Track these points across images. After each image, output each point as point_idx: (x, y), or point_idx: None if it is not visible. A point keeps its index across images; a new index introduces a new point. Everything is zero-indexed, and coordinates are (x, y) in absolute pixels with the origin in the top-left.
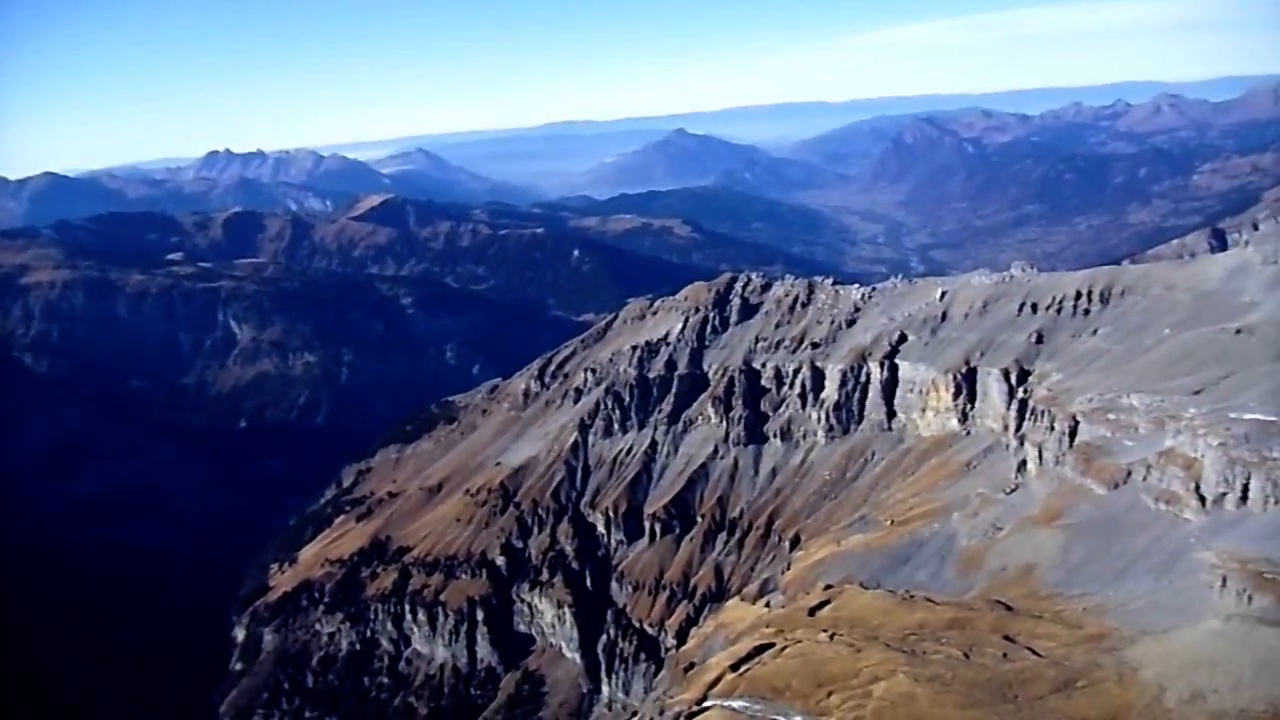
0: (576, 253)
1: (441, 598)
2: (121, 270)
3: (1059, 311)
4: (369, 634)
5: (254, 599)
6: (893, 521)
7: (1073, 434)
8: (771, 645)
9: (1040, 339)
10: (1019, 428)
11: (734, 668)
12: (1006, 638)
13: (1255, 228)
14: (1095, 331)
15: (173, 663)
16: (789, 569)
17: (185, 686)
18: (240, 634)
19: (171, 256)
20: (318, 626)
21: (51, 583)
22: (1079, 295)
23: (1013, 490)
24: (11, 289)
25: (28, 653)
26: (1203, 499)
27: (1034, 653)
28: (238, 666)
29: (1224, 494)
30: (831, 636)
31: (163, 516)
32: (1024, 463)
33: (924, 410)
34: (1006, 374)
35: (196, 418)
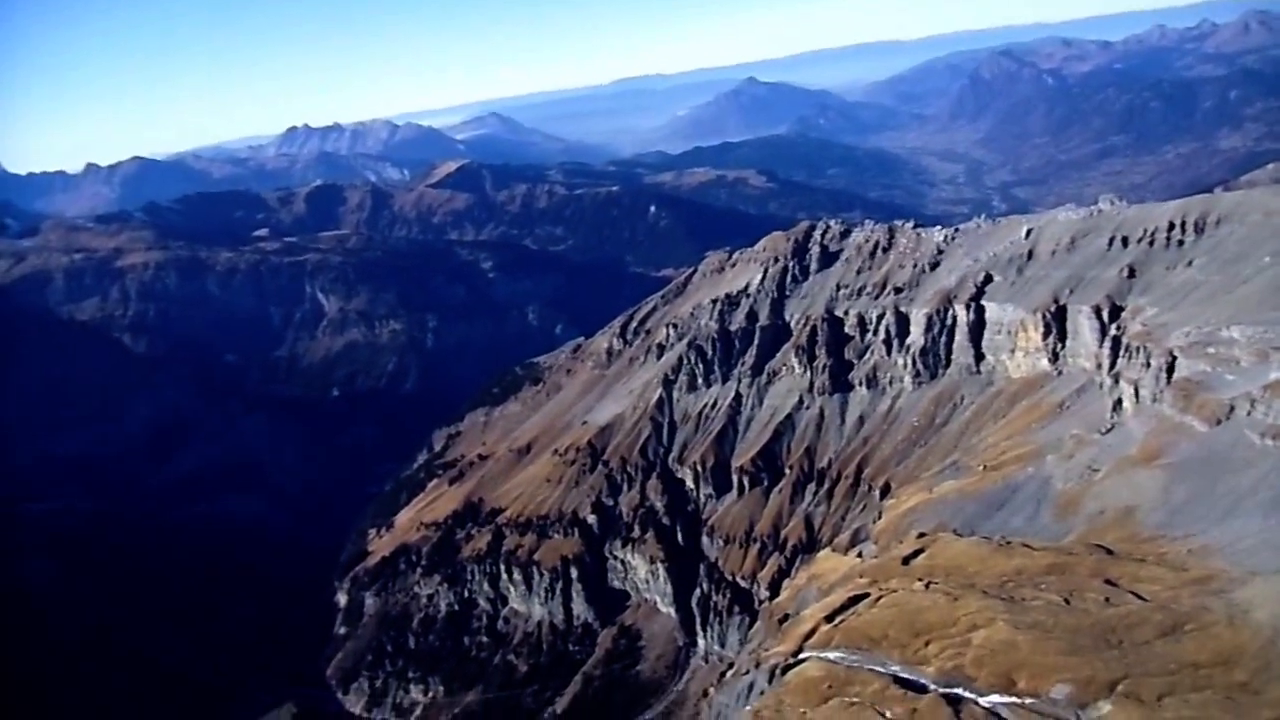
0: (653, 209)
1: (535, 557)
2: (210, 249)
3: (1151, 244)
4: (466, 594)
5: (354, 565)
6: (985, 466)
7: (1170, 370)
8: (866, 595)
9: (1132, 273)
10: (1113, 366)
11: (829, 619)
12: (1108, 582)
13: None
14: (1190, 263)
15: (279, 630)
16: (880, 518)
17: (292, 653)
18: (342, 599)
19: (258, 233)
20: (416, 589)
21: (157, 559)
22: (1171, 226)
23: (1108, 430)
24: (108, 272)
25: (137, 626)
26: None
27: (1138, 597)
28: (341, 631)
29: None
30: (927, 585)
31: (261, 489)
32: (1119, 401)
33: (1013, 351)
34: (1098, 310)
35: (290, 389)
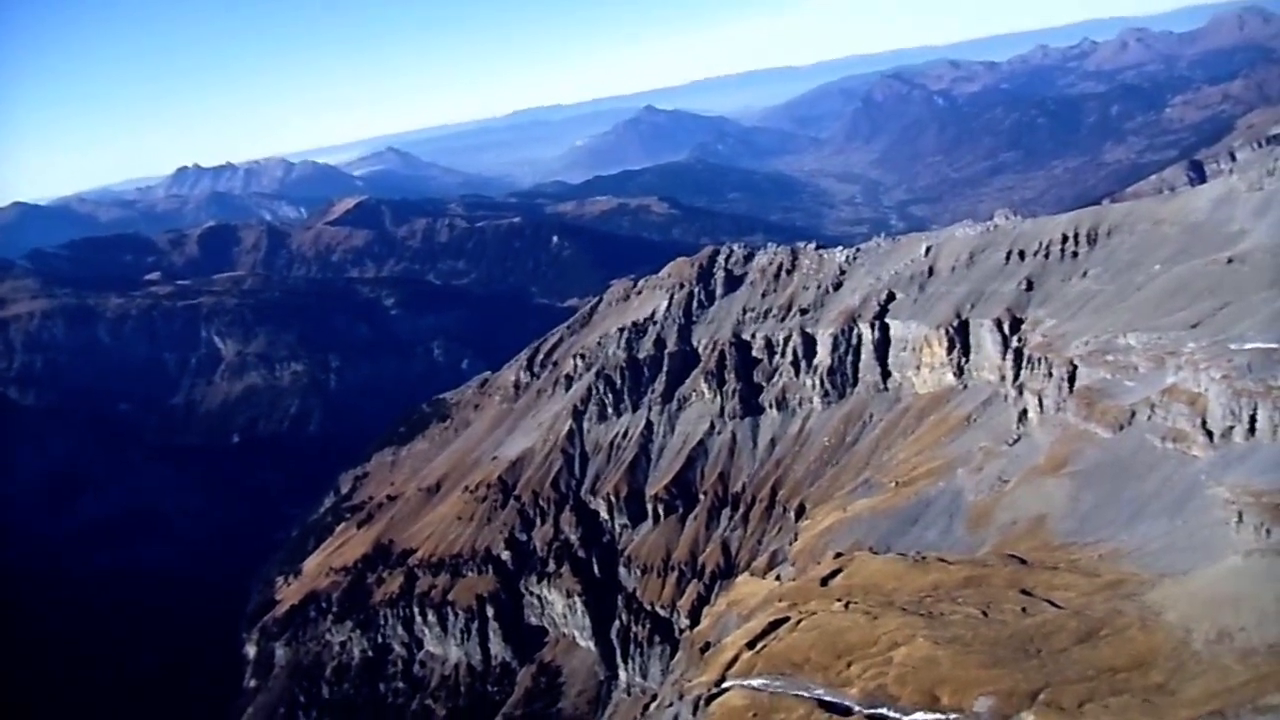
0: (555, 239)
1: (450, 597)
2: (100, 295)
3: (1046, 256)
4: (380, 640)
5: (262, 614)
6: (897, 483)
7: (1072, 379)
8: (786, 619)
9: (1030, 286)
10: (1016, 377)
11: (750, 645)
12: (1024, 592)
13: (1232, 156)
14: (1085, 273)
15: (187, 685)
16: (796, 539)
17: (201, 708)
18: (251, 650)
19: (149, 277)
20: (328, 636)
21: (58, 614)
22: (1065, 238)
23: (1015, 441)
24: None
25: (41, 686)
26: (1210, 434)
27: (1053, 605)
28: (252, 683)
29: (1231, 427)
30: (846, 605)
31: (164, 538)
32: (1024, 412)
33: (919, 367)
34: (999, 324)
35: (189, 437)
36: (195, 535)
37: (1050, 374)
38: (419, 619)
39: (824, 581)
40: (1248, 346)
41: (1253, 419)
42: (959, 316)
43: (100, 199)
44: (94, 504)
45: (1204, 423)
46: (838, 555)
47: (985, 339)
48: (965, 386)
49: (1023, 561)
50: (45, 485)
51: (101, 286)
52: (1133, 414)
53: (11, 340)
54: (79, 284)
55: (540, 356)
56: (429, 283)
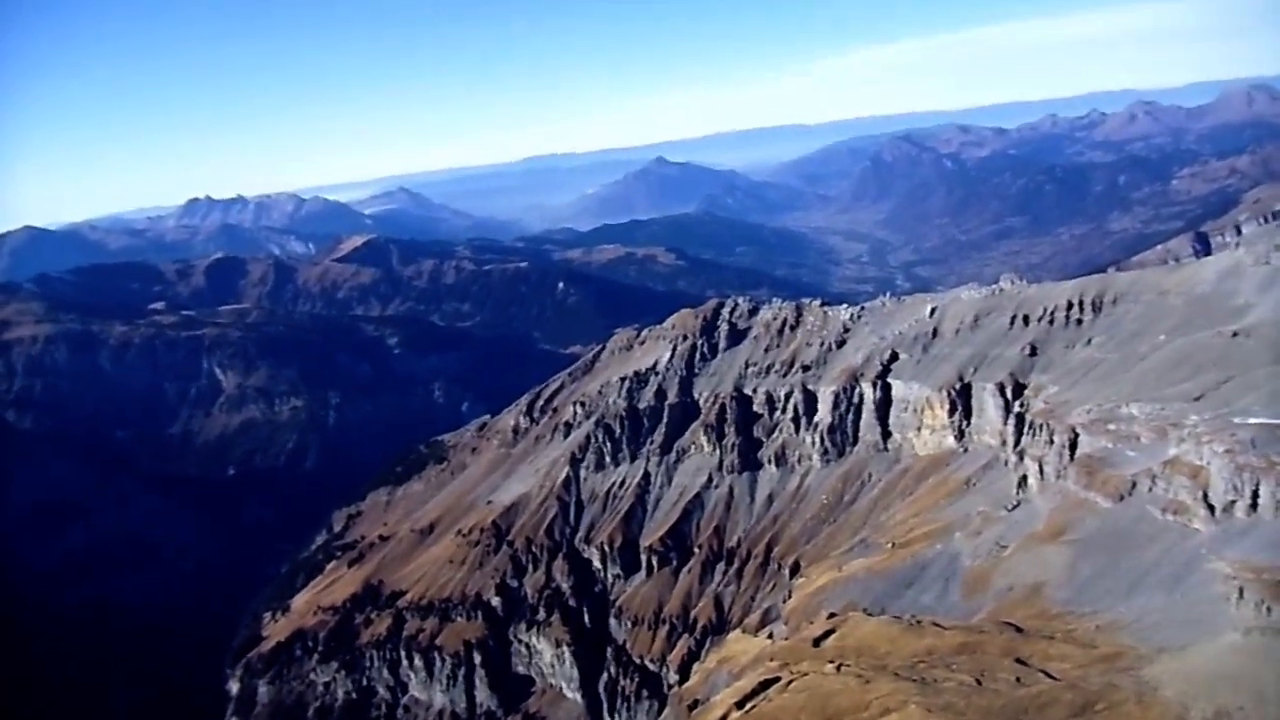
0: (561, 285)
1: (437, 642)
2: (104, 322)
3: (1051, 323)
4: (365, 682)
5: (247, 650)
6: (893, 544)
7: (1073, 446)
8: (777, 679)
9: (1034, 351)
10: (1017, 443)
11: (739, 705)
12: (1019, 661)
13: (1238, 230)
14: (1089, 341)
15: (166, 718)
16: (790, 597)
17: None
18: (234, 687)
19: (154, 306)
20: (313, 676)
21: (42, 643)
22: (1070, 305)
23: (1015, 507)
24: None
25: (17, 713)
26: (1211, 508)
27: (1048, 675)
28: None
29: (1233, 502)
30: (838, 667)
31: (153, 569)
32: (1024, 478)
33: (919, 429)
34: (1002, 388)
35: (184, 467)
36: (184, 567)
37: (1052, 441)
38: (405, 662)
39: (816, 642)
40: (1251, 421)
41: (1255, 494)
42: (962, 379)
43: (111, 226)
44: (83, 532)
45: (1205, 496)
46: (831, 615)
47: (987, 403)
48: (966, 450)
49: (1018, 629)
50: (36, 511)
51: (106, 314)
52: (1134, 484)
53: (13, 363)
54: (84, 310)
55: (540, 402)
56: (433, 324)
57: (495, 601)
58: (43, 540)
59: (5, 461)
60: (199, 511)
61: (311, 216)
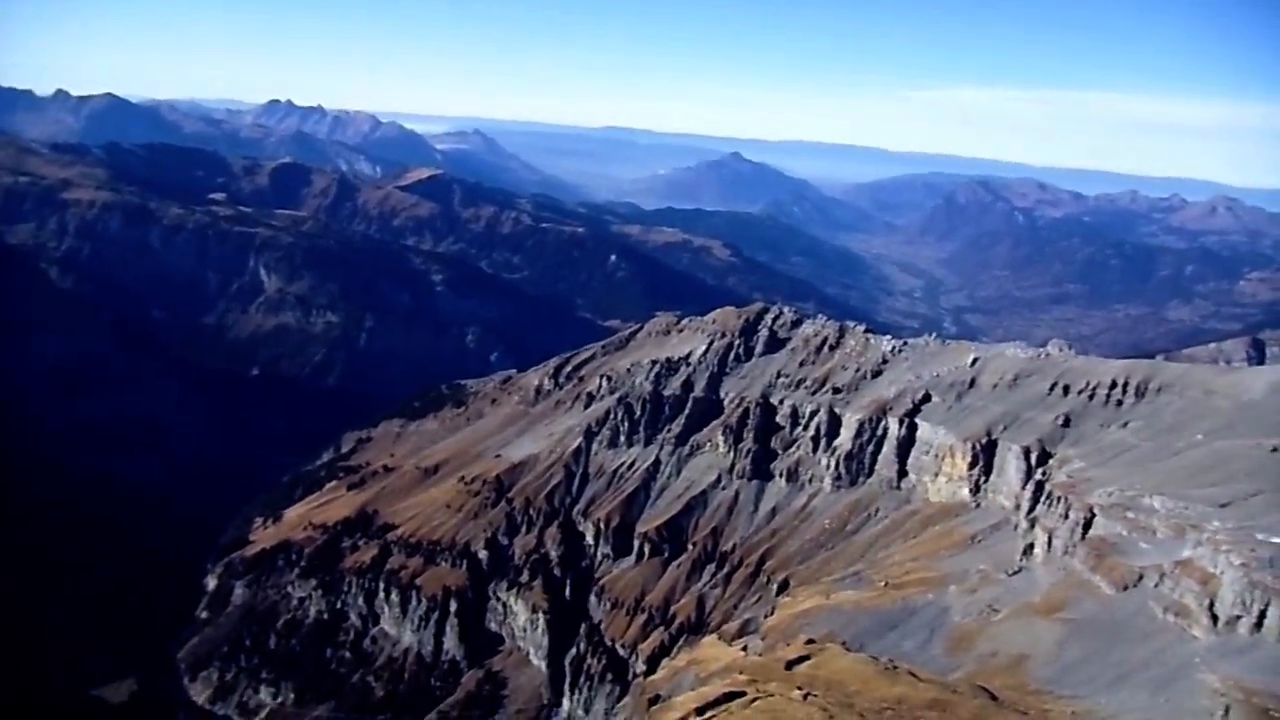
0: (614, 258)
1: (418, 582)
2: (162, 201)
3: (1090, 398)
4: (339, 605)
5: (232, 550)
6: (887, 583)
7: (1087, 525)
8: (742, 694)
9: (1067, 422)
10: (1031, 509)
11: (699, 711)
12: None
13: None
14: (1125, 424)
15: (138, 600)
16: (773, 613)
17: (147, 625)
18: (211, 583)
19: (214, 196)
20: (289, 589)
21: (43, 503)
22: (1114, 384)
23: (1015, 572)
24: (50, 202)
25: (8, 567)
26: (1215, 618)
27: None
28: (203, 615)
29: (1238, 616)
30: (805, 696)
31: (159, 452)
32: (1031, 546)
33: (936, 475)
34: (1027, 452)
35: (210, 359)
36: (187, 456)
37: (1066, 515)
38: (382, 595)
39: (789, 665)
40: (1275, 540)
41: (1262, 614)
42: (989, 435)
43: (190, 111)
44: (100, 401)
45: (1212, 605)
46: (809, 641)
47: (1010, 463)
48: (978, 505)
49: (993, 697)
50: (58, 371)
51: (166, 193)
52: (1140, 577)
53: (66, 223)
54: (145, 185)
55: (568, 368)
56: (480, 269)
57: (482, 555)
58: (56, 401)
59: (36, 315)
60: (214, 405)
61: (385, 141)
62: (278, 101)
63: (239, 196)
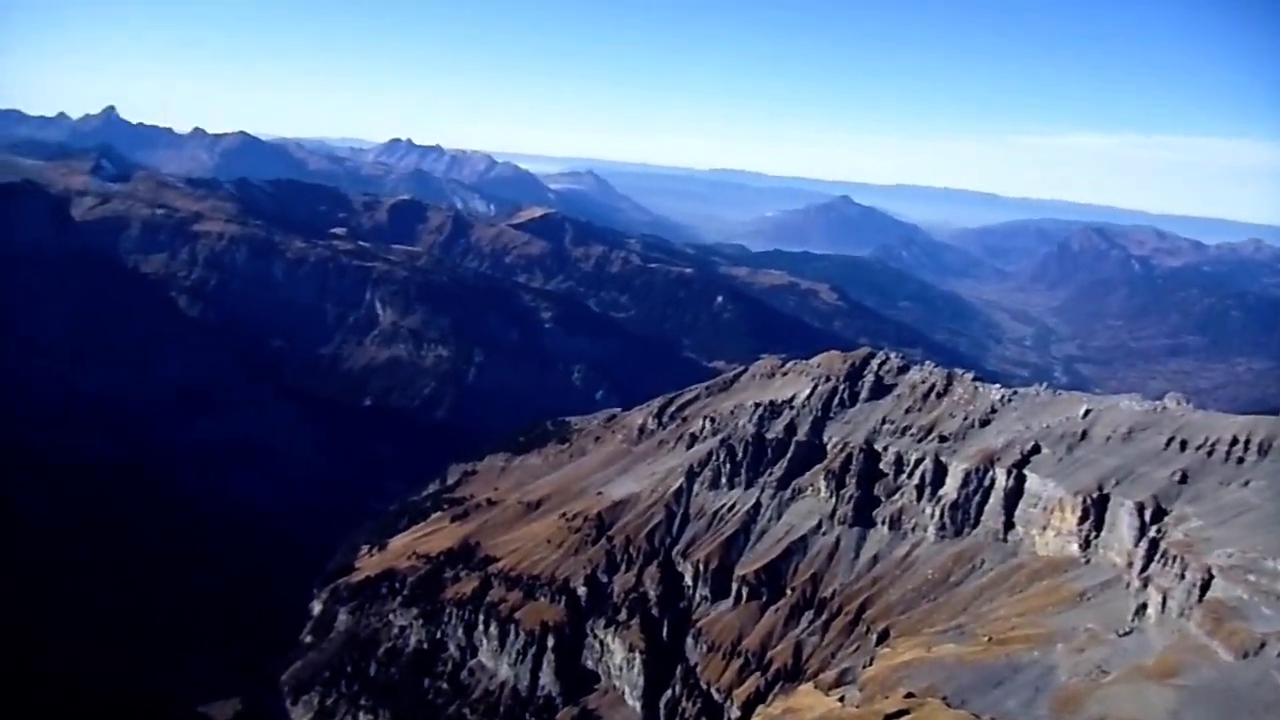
0: (720, 299)
1: (517, 615)
2: (286, 235)
3: (1210, 454)
4: (439, 635)
5: (338, 576)
6: (991, 638)
7: (1204, 587)
8: None
9: (1184, 479)
10: (1145, 568)
11: None
12: None
13: None
14: (1247, 483)
15: (246, 620)
16: (871, 664)
17: (252, 646)
18: (317, 607)
19: (335, 230)
20: (391, 617)
21: (159, 515)
22: (1235, 441)
23: (1127, 633)
24: (183, 234)
25: (123, 578)
26: None
27: None
28: (307, 639)
29: None
30: None
31: (272, 476)
32: (1144, 606)
33: (1045, 528)
34: (1141, 508)
35: (324, 388)
36: (300, 482)
37: (1183, 575)
38: (481, 627)
39: (888, 719)
40: None
41: None
42: (1101, 489)
43: (315, 149)
44: (216, 424)
45: None
46: (909, 695)
47: (1123, 519)
48: (1088, 561)
49: None
50: (179, 392)
51: (290, 228)
52: (1263, 644)
53: (197, 253)
54: (271, 219)
55: (672, 408)
56: (588, 308)
57: (581, 591)
58: (178, 421)
59: (164, 341)
60: (326, 433)
61: (499, 179)
62: (398, 141)
63: (359, 232)
